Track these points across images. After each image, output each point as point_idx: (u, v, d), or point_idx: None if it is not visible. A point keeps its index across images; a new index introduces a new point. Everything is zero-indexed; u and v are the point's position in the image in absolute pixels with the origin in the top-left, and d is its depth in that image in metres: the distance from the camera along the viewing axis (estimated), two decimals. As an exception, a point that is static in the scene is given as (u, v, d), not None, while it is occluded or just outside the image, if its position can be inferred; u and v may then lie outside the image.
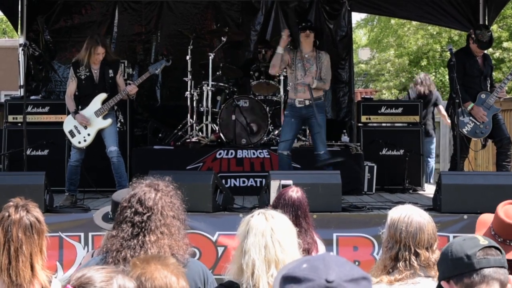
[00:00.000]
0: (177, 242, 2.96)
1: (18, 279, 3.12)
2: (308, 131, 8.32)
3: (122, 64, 7.56)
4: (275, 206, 3.77)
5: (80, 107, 7.20)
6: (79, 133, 7.14)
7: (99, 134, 7.17)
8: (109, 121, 7.16)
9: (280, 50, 7.37)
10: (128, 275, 2.37)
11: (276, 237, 2.83)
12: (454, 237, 5.76)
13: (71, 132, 7.17)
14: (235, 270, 2.87)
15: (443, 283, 2.33)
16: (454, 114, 7.29)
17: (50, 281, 3.25)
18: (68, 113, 7.29)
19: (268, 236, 2.82)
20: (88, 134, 7.12)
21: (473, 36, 7.53)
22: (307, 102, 7.31)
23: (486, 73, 7.66)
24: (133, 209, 2.97)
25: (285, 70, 8.78)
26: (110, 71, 7.22)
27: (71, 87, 7.22)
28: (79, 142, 7.13)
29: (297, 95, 7.37)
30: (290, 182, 4.24)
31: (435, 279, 3.08)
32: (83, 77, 7.14)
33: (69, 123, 7.20)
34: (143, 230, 2.94)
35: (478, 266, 2.23)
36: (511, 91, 16.76)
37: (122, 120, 7.97)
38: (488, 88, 7.66)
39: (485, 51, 7.87)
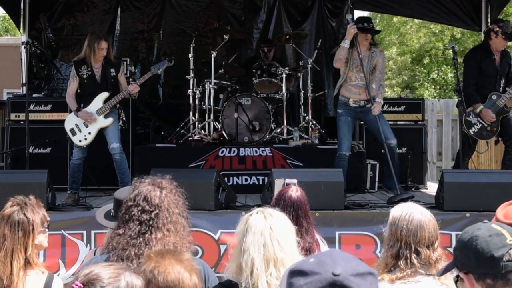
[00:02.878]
0: (181, 240, 2.97)
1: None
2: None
3: (124, 62, 7.55)
4: (275, 206, 3.73)
5: (82, 105, 7.18)
6: (80, 131, 7.13)
7: (101, 132, 7.16)
8: (110, 120, 7.15)
9: (346, 43, 7.03)
10: (141, 267, 2.39)
11: (275, 235, 2.81)
12: (456, 235, 5.75)
13: (72, 130, 7.16)
14: (234, 268, 2.85)
15: (461, 273, 2.28)
16: (463, 112, 7.27)
17: (42, 280, 3.27)
18: (70, 111, 7.28)
19: (267, 235, 2.80)
20: (89, 133, 7.11)
21: (496, 29, 7.37)
22: (362, 103, 7.21)
23: (502, 72, 7.54)
24: (139, 207, 2.98)
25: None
26: (112, 70, 7.20)
27: (73, 86, 7.19)
28: (80, 141, 7.13)
29: (351, 95, 7.23)
30: (294, 181, 4.18)
31: (436, 278, 3.08)
32: (85, 76, 7.12)
33: (70, 121, 7.19)
34: (151, 227, 2.94)
35: (504, 270, 2.16)
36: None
37: (124, 118, 7.97)
38: (501, 88, 7.56)
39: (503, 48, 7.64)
